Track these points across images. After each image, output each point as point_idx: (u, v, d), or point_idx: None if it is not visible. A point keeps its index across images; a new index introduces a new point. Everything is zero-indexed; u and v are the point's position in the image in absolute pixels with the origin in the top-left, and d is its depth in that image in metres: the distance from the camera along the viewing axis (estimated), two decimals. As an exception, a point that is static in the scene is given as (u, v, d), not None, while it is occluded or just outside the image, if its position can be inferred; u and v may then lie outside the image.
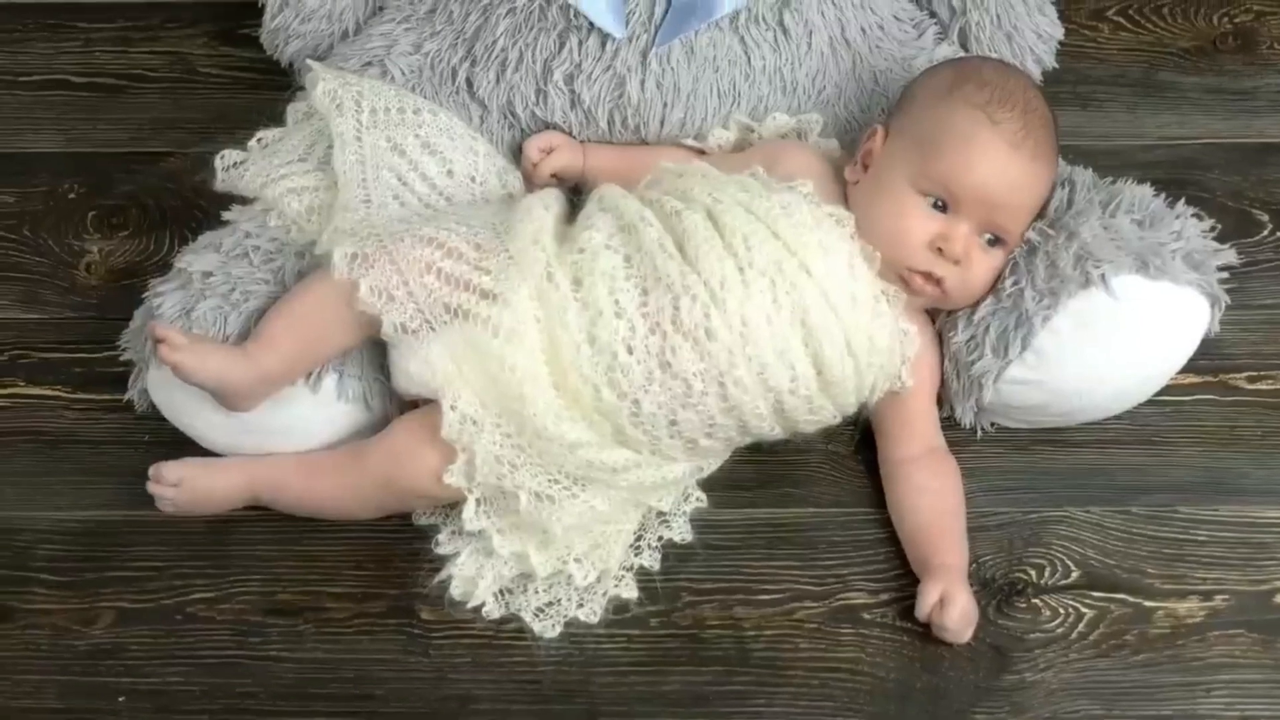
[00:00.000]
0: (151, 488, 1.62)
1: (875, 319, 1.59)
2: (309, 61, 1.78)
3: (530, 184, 1.76)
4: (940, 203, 1.61)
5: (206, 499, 1.63)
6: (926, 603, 1.56)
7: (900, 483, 1.65)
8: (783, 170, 1.66)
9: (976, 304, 1.64)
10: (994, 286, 1.64)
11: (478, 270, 1.58)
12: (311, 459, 1.63)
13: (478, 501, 1.57)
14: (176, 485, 1.61)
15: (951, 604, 1.55)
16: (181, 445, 1.66)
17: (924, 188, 1.61)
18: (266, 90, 1.96)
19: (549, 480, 1.56)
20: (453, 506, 1.61)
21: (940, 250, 1.60)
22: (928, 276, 1.61)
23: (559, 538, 1.57)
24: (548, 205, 1.65)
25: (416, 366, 1.57)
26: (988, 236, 1.62)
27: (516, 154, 1.78)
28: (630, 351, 1.55)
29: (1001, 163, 1.60)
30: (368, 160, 1.69)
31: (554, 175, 1.77)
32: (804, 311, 1.56)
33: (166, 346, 1.54)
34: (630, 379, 1.55)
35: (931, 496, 1.63)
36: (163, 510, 1.63)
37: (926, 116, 1.64)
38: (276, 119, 1.79)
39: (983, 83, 1.63)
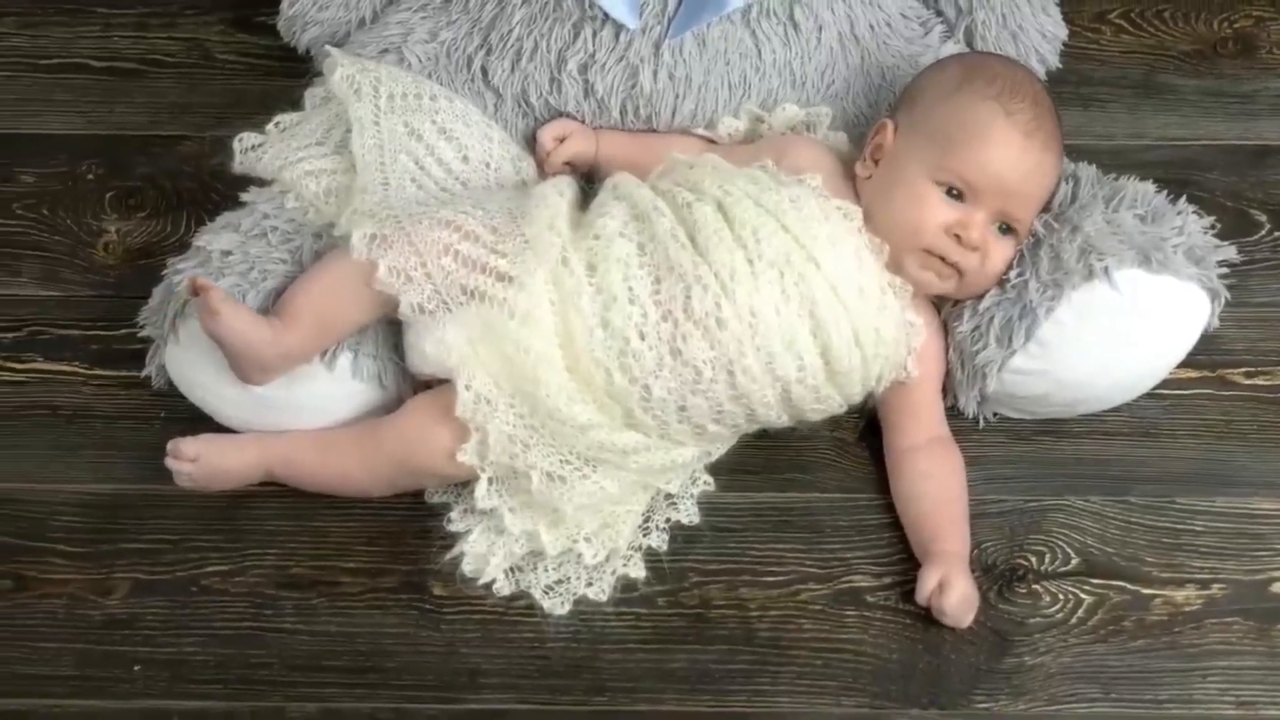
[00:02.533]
0: (169, 462, 1.64)
1: (882, 311, 1.62)
2: (328, 47, 1.80)
3: (544, 171, 1.79)
4: (955, 192, 1.64)
5: (223, 474, 1.65)
6: (926, 587, 1.59)
7: (904, 470, 1.67)
8: (791, 164, 1.68)
9: (981, 295, 1.67)
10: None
11: (494, 253, 1.61)
12: (327, 436, 1.66)
13: (490, 480, 1.60)
14: (194, 460, 1.64)
15: (950, 589, 1.58)
16: (195, 422, 1.69)
17: (941, 179, 1.64)
18: (281, 77, 1.99)
19: (560, 461, 1.59)
20: (465, 485, 1.64)
21: (958, 237, 1.63)
22: (943, 260, 1.64)
23: (569, 517, 1.60)
24: (562, 192, 1.68)
25: (432, 346, 1.60)
26: (1000, 225, 1.65)
27: (530, 142, 1.80)
28: (642, 337, 1.58)
29: (1017, 152, 1.63)
30: (385, 144, 1.71)
31: (567, 163, 1.79)
32: (812, 303, 1.58)
33: (211, 294, 1.57)
34: (641, 364, 1.58)
35: (934, 484, 1.66)
36: (180, 485, 1.65)
37: (940, 110, 1.66)
38: (292, 104, 1.82)
39: (993, 76, 1.66)
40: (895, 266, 1.64)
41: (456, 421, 1.58)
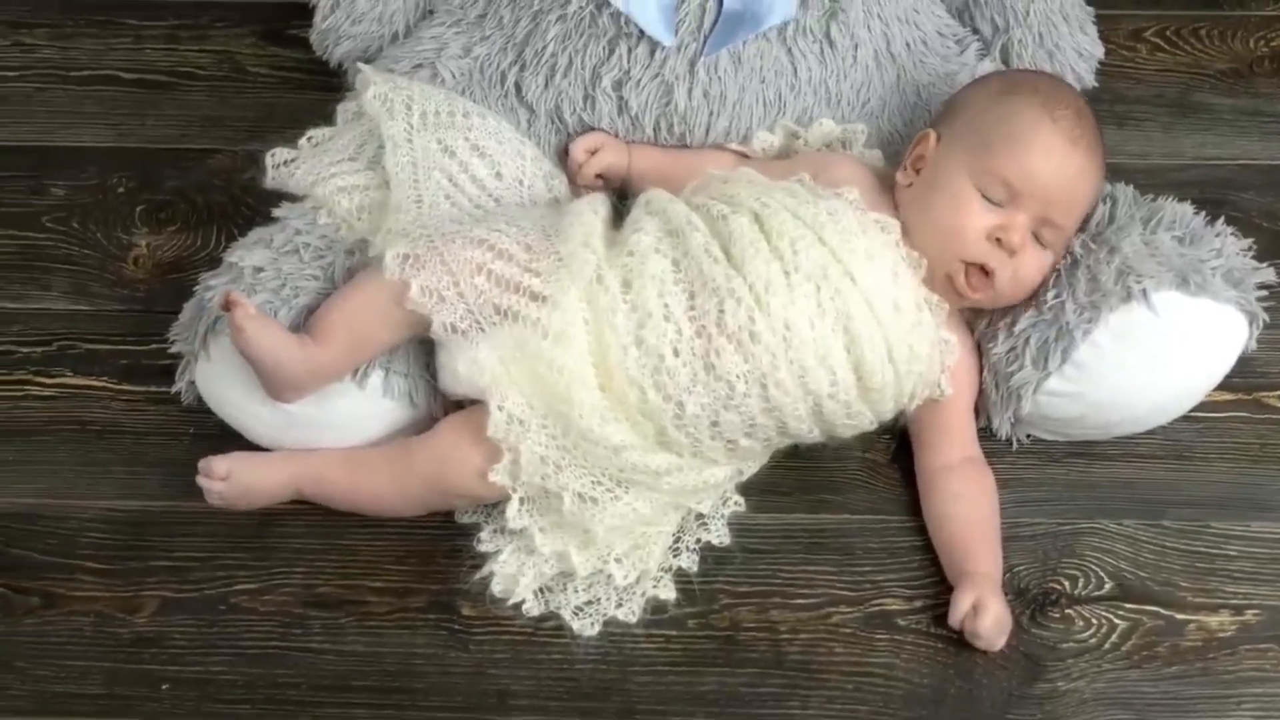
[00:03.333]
0: (200, 480, 1.63)
1: (917, 327, 1.61)
2: (360, 65, 1.80)
3: (575, 184, 1.78)
4: (996, 199, 1.63)
5: (253, 492, 1.65)
6: (959, 610, 1.58)
7: (936, 490, 1.67)
8: (828, 178, 1.68)
9: (1017, 316, 1.66)
10: (1036, 294, 1.66)
11: (528, 272, 1.60)
12: (358, 455, 1.65)
13: (521, 501, 1.59)
14: (225, 478, 1.63)
15: (984, 611, 1.57)
16: (224, 438, 1.68)
17: (983, 184, 1.63)
18: (313, 90, 2.00)
19: (592, 482, 1.58)
20: (495, 505, 1.63)
21: (999, 241, 1.62)
22: (980, 270, 1.63)
23: (600, 538, 1.59)
24: (596, 209, 1.67)
25: (465, 366, 1.59)
26: (1036, 237, 1.64)
27: (563, 158, 1.80)
28: (676, 354, 1.57)
29: (1061, 157, 1.62)
30: (419, 162, 1.70)
31: (599, 176, 1.79)
32: (847, 317, 1.57)
33: (238, 310, 1.56)
34: (676, 381, 1.57)
35: (966, 505, 1.65)
36: (210, 502, 1.65)
37: (985, 117, 1.66)
38: (324, 119, 1.81)
39: (1036, 87, 1.67)
40: (931, 279, 1.63)
41: (488, 442, 1.58)
